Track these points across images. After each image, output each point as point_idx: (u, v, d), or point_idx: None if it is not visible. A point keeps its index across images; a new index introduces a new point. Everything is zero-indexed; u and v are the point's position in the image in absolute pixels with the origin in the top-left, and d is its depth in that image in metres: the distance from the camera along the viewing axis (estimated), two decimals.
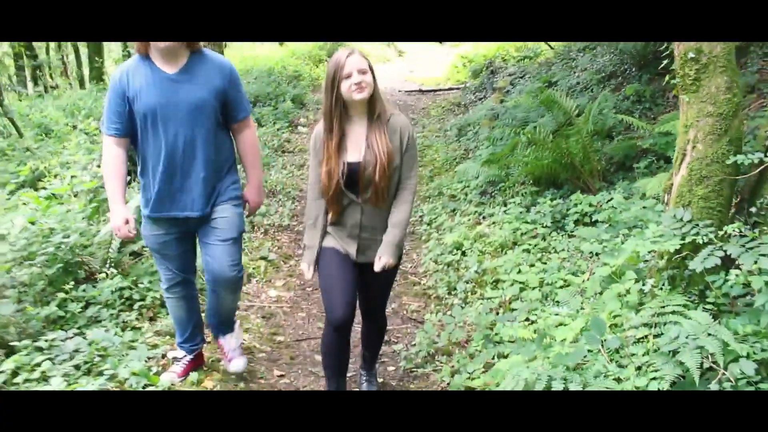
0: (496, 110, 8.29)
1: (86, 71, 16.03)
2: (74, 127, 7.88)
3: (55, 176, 4.70)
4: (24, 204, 3.95)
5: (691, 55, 2.57)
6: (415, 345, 3.65)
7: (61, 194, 4.02)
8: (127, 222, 2.72)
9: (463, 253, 4.76)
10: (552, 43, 10.81)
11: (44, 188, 4.33)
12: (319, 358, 3.40)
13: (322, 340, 2.93)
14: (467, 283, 4.26)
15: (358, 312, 2.90)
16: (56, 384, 2.62)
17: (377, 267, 2.72)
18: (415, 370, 3.48)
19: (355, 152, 2.62)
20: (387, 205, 2.71)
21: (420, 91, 14.44)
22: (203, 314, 3.24)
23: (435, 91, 14.23)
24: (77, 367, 2.80)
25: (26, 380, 2.67)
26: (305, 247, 2.84)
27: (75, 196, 4.10)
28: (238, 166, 3.08)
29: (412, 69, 18.76)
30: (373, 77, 2.56)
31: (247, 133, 2.96)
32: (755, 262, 2.29)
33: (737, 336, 2.23)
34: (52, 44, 16.03)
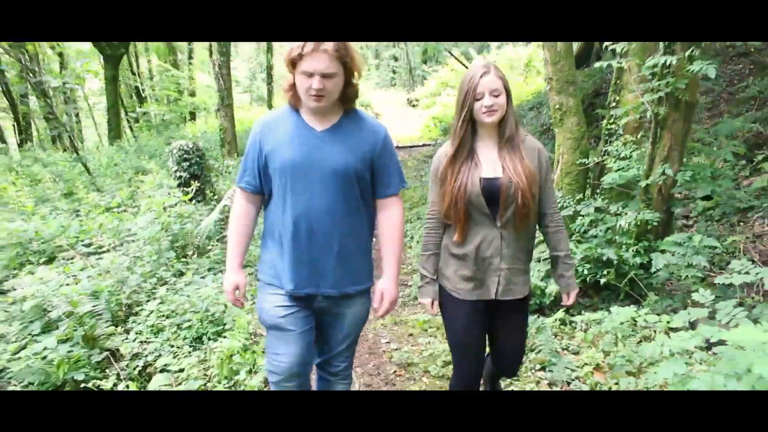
0: None
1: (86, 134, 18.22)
2: (123, 173, 9.96)
3: (148, 196, 6.77)
4: (150, 210, 5.98)
5: (557, 106, 4.84)
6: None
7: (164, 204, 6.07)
8: (236, 289, 2.49)
9: None
10: None
11: (134, 206, 6.42)
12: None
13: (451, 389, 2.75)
14: None
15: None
16: (209, 285, 4.63)
17: (570, 301, 2.60)
18: None
19: (489, 170, 2.42)
20: (527, 232, 2.47)
21: (397, 147, 16.80)
22: None
23: (411, 147, 16.60)
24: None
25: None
26: (425, 278, 2.58)
27: (171, 207, 6.16)
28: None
29: (388, 128, 21.27)
30: (507, 97, 2.39)
31: (393, 212, 2.49)
32: (590, 212, 4.50)
33: (579, 248, 4.39)
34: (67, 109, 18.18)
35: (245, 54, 27.68)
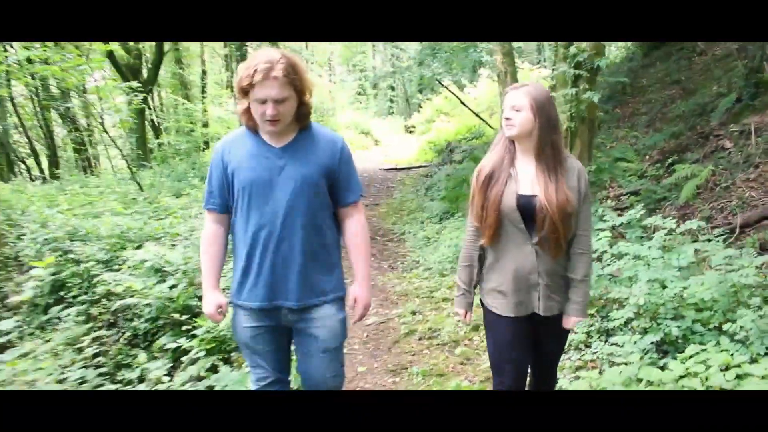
0: (451, 174, 12.75)
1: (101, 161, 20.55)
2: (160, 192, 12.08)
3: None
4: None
5: None
6: None
7: None
8: (220, 308, 2.57)
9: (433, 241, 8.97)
10: (492, 125, 15.56)
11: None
12: None
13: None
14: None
15: None
16: None
17: (568, 325, 2.63)
18: None
19: (527, 187, 2.47)
20: (562, 253, 2.51)
21: (396, 168, 18.99)
22: None
23: (408, 168, 18.78)
24: None
25: None
26: (459, 289, 2.70)
27: None
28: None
29: (387, 153, 23.59)
30: (537, 117, 2.42)
31: (356, 219, 2.65)
32: None
33: None
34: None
35: None
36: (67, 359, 4.63)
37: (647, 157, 9.21)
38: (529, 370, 2.75)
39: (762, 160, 7.46)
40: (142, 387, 3.86)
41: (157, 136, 22.78)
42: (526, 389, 2.82)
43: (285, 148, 2.49)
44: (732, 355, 3.24)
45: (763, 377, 2.94)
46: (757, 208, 6.48)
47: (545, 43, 20.24)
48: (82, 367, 4.44)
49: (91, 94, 17.36)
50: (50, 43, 11.01)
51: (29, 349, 4.40)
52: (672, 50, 12.11)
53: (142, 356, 4.39)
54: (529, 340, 2.63)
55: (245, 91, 2.34)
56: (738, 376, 3.05)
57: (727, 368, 3.15)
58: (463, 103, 15.50)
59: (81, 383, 3.88)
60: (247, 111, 2.44)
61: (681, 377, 3.17)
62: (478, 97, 20.54)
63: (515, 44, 11.13)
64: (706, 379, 3.10)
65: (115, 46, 14.09)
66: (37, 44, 9.43)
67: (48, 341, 6.16)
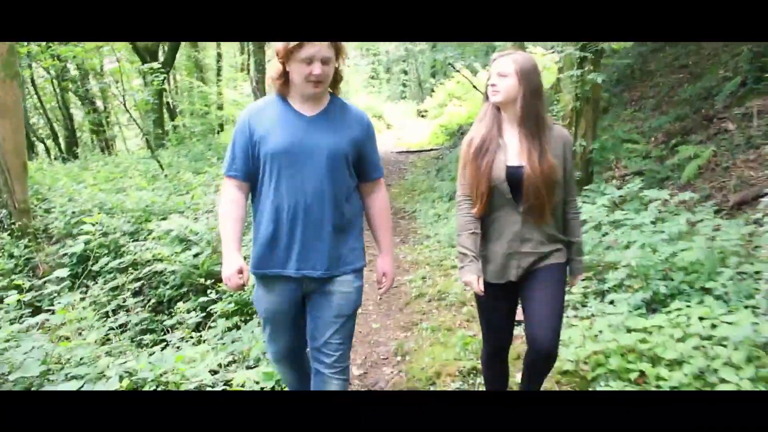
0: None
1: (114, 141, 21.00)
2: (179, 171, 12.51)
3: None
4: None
5: None
6: None
7: None
8: (240, 271, 2.45)
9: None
10: None
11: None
12: None
13: (482, 360, 3.00)
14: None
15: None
16: None
17: (574, 284, 2.84)
18: None
19: (515, 157, 2.54)
20: (550, 217, 2.59)
21: (408, 151, 19.34)
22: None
23: (420, 151, 19.12)
24: None
25: None
26: (466, 257, 2.65)
27: None
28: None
29: (399, 136, 23.94)
30: (523, 84, 2.49)
31: (380, 195, 2.73)
32: None
33: None
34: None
35: None
36: (107, 309, 5.05)
37: (652, 138, 9.53)
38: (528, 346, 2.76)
39: (763, 141, 7.76)
40: (177, 334, 4.24)
41: (172, 119, 23.23)
42: (527, 361, 2.80)
43: (316, 117, 2.51)
44: (711, 309, 3.61)
45: (731, 323, 3.31)
46: (754, 187, 6.81)
47: None
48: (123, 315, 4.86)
49: (110, 76, 17.87)
50: None
51: (71, 300, 4.80)
52: None
53: (180, 305, 4.77)
54: (514, 303, 2.78)
55: (290, 53, 2.36)
56: (713, 325, 3.42)
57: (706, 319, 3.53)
58: (475, 87, 15.76)
59: (123, 332, 4.31)
60: (283, 75, 2.47)
61: (662, 327, 3.54)
62: None
63: None
64: (687, 327, 3.47)
65: None
66: None
67: (83, 299, 6.46)
